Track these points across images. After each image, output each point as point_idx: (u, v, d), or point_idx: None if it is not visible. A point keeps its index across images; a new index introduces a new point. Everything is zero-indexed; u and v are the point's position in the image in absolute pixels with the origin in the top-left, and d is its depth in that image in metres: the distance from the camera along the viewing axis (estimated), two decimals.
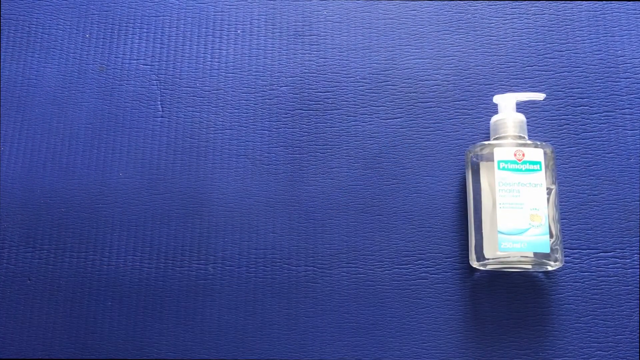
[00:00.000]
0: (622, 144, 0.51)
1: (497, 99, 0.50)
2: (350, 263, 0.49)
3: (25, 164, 0.53)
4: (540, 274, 0.48)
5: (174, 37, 0.55)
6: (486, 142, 0.47)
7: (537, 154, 0.46)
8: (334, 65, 0.54)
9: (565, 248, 0.49)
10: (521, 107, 0.51)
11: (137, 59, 0.55)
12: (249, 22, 0.55)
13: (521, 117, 0.48)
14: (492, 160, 0.46)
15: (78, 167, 0.52)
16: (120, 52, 0.55)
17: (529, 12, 0.55)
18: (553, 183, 0.47)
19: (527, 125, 0.49)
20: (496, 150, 0.46)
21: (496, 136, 0.48)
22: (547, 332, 0.47)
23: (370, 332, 0.48)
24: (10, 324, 0.49)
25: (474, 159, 0.48)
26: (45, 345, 0.48)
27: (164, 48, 0.55)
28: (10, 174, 0.52)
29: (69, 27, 0.56)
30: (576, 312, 0.48)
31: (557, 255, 0.45)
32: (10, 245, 0.51)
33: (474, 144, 0.49)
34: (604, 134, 0.51)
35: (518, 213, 0.44)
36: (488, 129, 0.50)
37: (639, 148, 0.51)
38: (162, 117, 0.53)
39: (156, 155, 0.53)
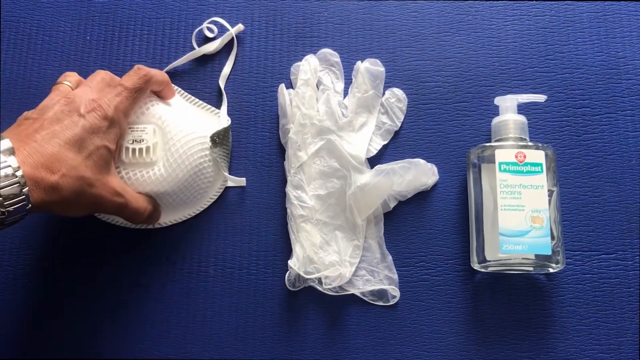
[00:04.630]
0: (624, 146, 0.51)
1: (498, 100, 0.50)
2: None
3: None
4: (541, 275, 0.48)
5: (174, 39, 0.55)
6: (487, 144, 0.47)
7: (538, 155, 0.46)
8: None
9: (566, 250, 0.49)
10: (522, 108, 0.51)
11: (138, 61, 0.55)
12: (249, 24, 0.55)
13: (522, 118, 0.48)
14: (494, 162, 0.46)
15: None
16: (121, 54, 0.55)
17: (530, 13, 0.55)
18: (554, 185, 0.46)
19: (529, 127, 0.49)
20: (497, 152, 0.46)
21: (497, 138, 0.48)
22: (549, 334, 0.47)
23: (370, 334, 0.48)
24: (9, 325, 0.49)
25: (475, 161, 0.48)
26: (45, 346, 0.48)
27: (164, 50, 0.55)
28: None
29: (69, 29, 0.56)
30: (577, 314, 0.47)
31: (559, 257, 0.45)
32: (12, 248, 0.51)
33: (475, 145, 0.49)
34: (606, 135, 0.51)
35: (519, 215, 0.44)
36: (489, 130, 0.50)
37: None
38: None
39: None
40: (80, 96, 0.42)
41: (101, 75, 0.45)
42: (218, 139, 0.49)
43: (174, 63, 0.54)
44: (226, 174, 0.50)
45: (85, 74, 0.54)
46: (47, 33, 0.56)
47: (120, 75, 0.54)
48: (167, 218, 0.49)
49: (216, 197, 0.51)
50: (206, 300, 0.49)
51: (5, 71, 0.55)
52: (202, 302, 0.49)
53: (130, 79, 0.44)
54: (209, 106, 0.53)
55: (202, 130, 0.48)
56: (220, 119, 0.52)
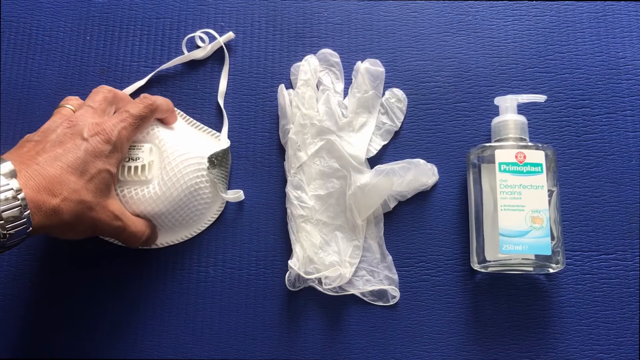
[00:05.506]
0: (624, 146, 0.51)
1: (498, 100, 0.50)
2: None
3: None
4: (541, 276, 0.48)
5: (174, 40, 0.55)
6: (487, 144, 0.47)
7: (538, 155, 0.46)
8: None
9: (566, 250, 0.49)
10: (522, 108, 0.51)
11: (138, 61, 0.55)
12: (249, 24, 0.55)
13: (522, 118, 0.48)
14: (494, 162, 0.46)
15: None
16: (121, 54, 0.55)
17: (530, 13, 0.55)
18: (554, 185, 0.46)
19: (529, 127, 0.49)
20: (497, 152, 0.46)
21: (497, 138, 0.48)
22: (549, 334, 0.47)
23: (370, 334, 0.48)
24: (10, 325, 0.49)
25: (475, 161, 0.48)
26: (45, 345, 0.48)
27: (164, 50, 0.55)
28: None
29: (69, 29, 0.56)
30: (577, 314, 0.47)
31: (559, 258, 0.45)
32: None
33: (475, 145, 0.49)
34: (606, 135, 0.51)
35: (519, 215, 0.44)
36: (489, 130, 0.50)
37: None
38: None
39: None
40: (83, 119, 0.42)
41: (103, 94, 0.45)
42: (216, 160, 0.49)
43: (163, 66, 0.53)
44: (223, 195, 0.49)
45: (85, 74, 0.55)
46: (47, 33, 0.56)
47: (121, 79, 0.54)
48: (164, 239, 0.49)
49: (214, 220, 0.50)
50: (206, 300, 0.49)
51: (5, 71, 0.55)
52: (202, 302, 0.49)
53: (137, 106, 0.45)
54: (210, 129, 0.52)
55: (199, 150, 0.48)
56: (220, 141, 0.51)
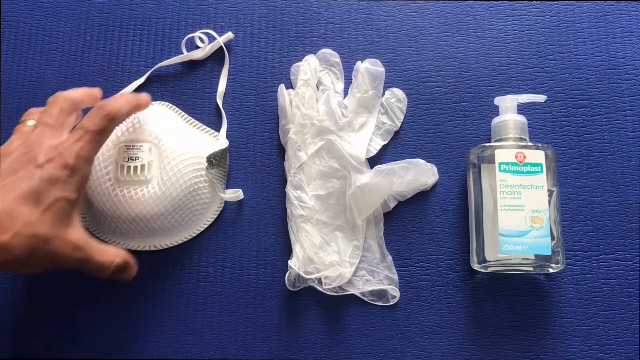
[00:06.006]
0: (624, 146, 0.51)
1: (498, 100, 0.50)
2: None
3: None
4: (541, 276, 0.48)
5: (174, 39, 0.55)
6: (487, 144, 0.47)
7: (538, 155, 0.46)
8: None
9: (566, 250, 0.49)
10: (522, 108, 0.51)
11: (138, 61, 0.55)
12: (249, 24, 0.55)
13: (522, 118, 0.48)
14: (493, 162, 0.46)
15: None
16: (121, 54, 0.55)
17: (530, 13, 0.55)
18: (554, 185, 0.46)
19: (529, 127, 0.49)
20: (497, 152, 0.46)
21: (497, 138, 0.48)
22: (549, 335, 0.47)
23: (370, 334, 0.48)
24: (10, 325, 0.49)
25: (475, 161, 0.48)
26: (45, 345, 0.48)
27: (164, 50, 0.55)
28: None
29: (69, 29, 0.56)
30: (577, 315, 0.47)
31: (559, 258, 0.45)
32: None
33: (475, 145, 0.49)
34: (606, 135, 0.51)
35: (519, 215, 0.44)
36: (489, 130, 0.50)
37: None
38: None
39: None
40: (39, 142, 0.39)
41: (59, 105, 0.42)
42: (215, 160, 0.49)
43: (161, 63, 0.53)
44: (222, 194, 0.49)
45: (85, 74, 0.55)
46: (47, 33, 0.56)
47: (121, 79, 0.54)
48: (163, 242, 0.49)
49: (212, 221, 0.50)
50: (206, 300, 0.49)
51: (5, 71, 0.55)
52: (202, 302, 0.49)
53: (92, 120, 0.40)
54: (209, 129, 0.52)
55: (198, 150, 0.48)
56: (218, 141, 0.51)
